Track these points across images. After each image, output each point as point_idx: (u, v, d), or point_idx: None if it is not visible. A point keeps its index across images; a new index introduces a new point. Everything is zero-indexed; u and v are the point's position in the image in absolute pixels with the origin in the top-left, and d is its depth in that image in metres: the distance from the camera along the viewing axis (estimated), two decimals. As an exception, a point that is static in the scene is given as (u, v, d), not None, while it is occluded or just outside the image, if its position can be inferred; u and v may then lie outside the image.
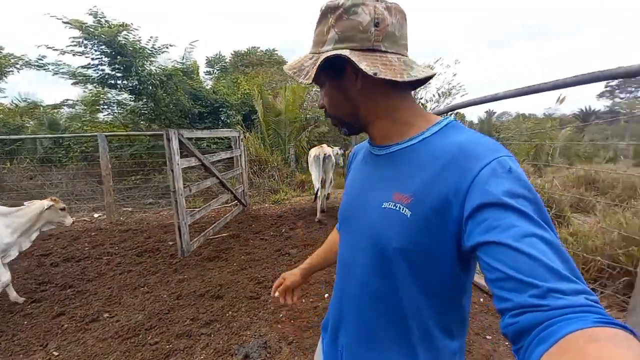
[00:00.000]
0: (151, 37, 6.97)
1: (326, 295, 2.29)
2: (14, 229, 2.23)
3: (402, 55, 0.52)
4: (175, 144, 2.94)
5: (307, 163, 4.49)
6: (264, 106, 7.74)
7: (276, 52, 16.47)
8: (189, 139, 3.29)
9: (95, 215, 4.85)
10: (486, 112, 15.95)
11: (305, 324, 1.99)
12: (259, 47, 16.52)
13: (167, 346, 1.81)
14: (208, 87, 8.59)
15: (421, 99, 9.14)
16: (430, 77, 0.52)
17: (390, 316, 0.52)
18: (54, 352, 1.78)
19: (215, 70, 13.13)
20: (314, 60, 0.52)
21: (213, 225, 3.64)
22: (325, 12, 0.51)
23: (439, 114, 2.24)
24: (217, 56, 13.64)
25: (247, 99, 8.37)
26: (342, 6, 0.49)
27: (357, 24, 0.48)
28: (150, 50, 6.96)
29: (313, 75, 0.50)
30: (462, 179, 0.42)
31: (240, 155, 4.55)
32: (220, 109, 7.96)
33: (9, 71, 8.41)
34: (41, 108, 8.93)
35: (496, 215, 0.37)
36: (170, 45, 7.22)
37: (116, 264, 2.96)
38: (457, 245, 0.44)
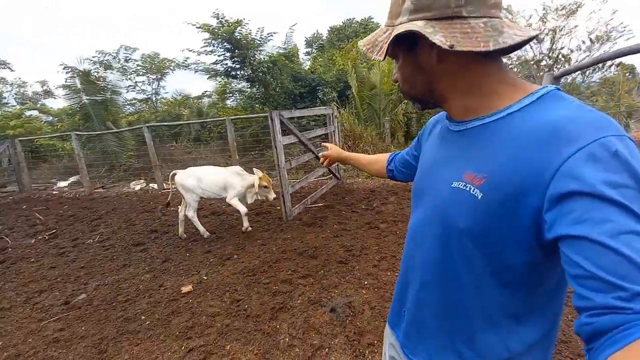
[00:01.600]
0: (259, 28, 7.90)
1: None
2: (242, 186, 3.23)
3: (492, 17, 0.44)
4: (277, 124, 3.38)
5: None
6: (358, 81, 7.68)
7: (372, 20, 15.59)
8: (289, 118, 3.70)
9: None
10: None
11: (388, 294, 2.07)
12: (353, 18, 16.02)
13: (274, 287, 2.27)
14: (307, 68, 9.15)
15: (562, 48, 6.96)
16: (529, 40, 0.43)
17: (450, 288, 0.52)
18: (204, 277, 2.53)
19: (313, 50, 13.72)
20: (387, 34, 0.48)
21: (311, 196, 4.09)
22: None
23: (584, 67, 1.57)
24: (315, 35, 14.12)
25: (342, 75, 8.49)
26: None
27: None
28: (259, 41, 7.91)
29: (385, 52, 0.47)
30: (549, 161, 0.37)
31: (334, 131, 4.78)
32: (317, 88, 8.41)
33: (166, 72, 11.48)
34: (190, 100, 11.80)
35: (588, 207, 0.33)
36: (274, 33, 8.01)
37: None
38: (535, 235, 0.40)
